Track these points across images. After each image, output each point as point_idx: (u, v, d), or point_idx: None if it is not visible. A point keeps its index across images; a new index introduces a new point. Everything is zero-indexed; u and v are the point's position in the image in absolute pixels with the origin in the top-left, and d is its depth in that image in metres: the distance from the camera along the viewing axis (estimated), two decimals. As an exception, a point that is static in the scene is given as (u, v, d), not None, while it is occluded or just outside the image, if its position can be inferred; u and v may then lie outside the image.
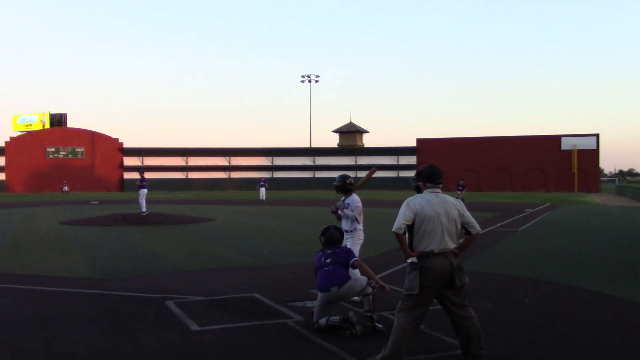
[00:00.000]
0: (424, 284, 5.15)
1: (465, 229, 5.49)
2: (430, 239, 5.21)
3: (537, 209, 32.58)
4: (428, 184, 5.46)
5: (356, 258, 6.73)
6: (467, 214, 5.47)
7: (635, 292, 8.83)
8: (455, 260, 5.29)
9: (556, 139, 73.05)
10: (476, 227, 5.53)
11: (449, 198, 5.45)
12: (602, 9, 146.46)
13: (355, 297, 7.00)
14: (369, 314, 6.52)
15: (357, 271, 7.02)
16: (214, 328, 6.64)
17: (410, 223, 5.27)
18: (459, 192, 35.55)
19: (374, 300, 6.55)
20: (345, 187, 8.10)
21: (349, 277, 6.56)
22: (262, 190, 44.43)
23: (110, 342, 6.12)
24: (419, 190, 5.61)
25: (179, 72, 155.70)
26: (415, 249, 5.27)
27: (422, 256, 5.20)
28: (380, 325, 6.47)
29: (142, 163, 76.23)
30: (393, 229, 5.29)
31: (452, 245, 5.31)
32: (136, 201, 24.64)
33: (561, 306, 7.87)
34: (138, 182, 25.51)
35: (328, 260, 6.69)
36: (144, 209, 24.63)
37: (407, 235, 5.33)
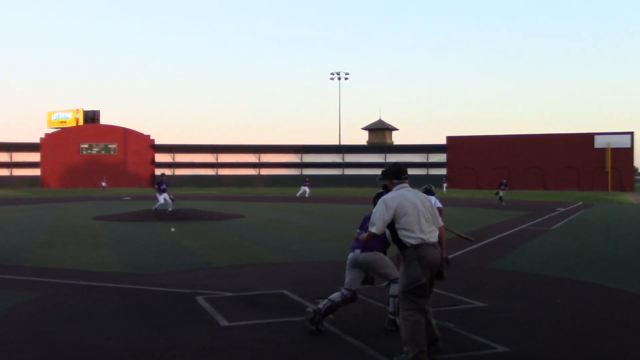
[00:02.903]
0: (420, 272, 5.27)
1: None
2: (419, 229, 5.35)
3: (569, 207, 32.09)
4: (395, 181, 5.68)
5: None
6: (435, 209, 5.69)
7: (670, 294, 8.64)
8: (440, 251, 5.46)
9: (589, 137, 71.78)
10: (440, 222, 5.68)
11: (419, 192, 5.73)
12: (635, 3, 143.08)
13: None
14: (392, 317, 6.47)
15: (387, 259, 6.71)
16: (243, 324, 6.69)
17: (389, 222, 5.43)
18: (501, 192, 33.46)
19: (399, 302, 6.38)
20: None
21: (375, 250, 6.37)
22: (304, 189, 44.07)
23: (142, 336, 6.22)
24: (386, 189, 5.83)
25: (209, 69, 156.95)
26: (406, 243, 5.35)
27: (417, 246, 5.31)
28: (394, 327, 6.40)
29: (173, 159, 77.03)
30: (374, 231, 5.45)
31: (436, 233, 5.48)
32: (166, 199, 24.12)
33: (594, 307, 7.75)
34: (164, 186, 24.18)
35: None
36: (169, 207, 23.96)
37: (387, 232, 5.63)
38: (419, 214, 5.40)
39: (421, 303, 5.32)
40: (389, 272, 6.50)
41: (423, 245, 5.30)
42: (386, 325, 6.50)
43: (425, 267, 5.27)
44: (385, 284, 6.74)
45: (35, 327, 6.57)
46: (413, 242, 5.32)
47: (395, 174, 5.70)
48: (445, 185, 63.33)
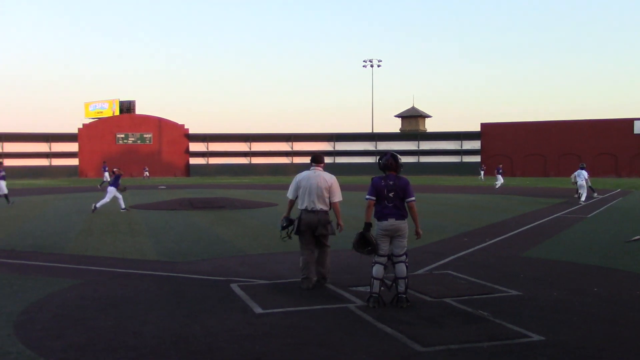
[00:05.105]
0: (300, 229, 8.07)
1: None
2: (305, 200, 8.04)
3: (607, 195, 31.44)
4: (312, 164, 8.28)
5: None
6: (334, 187, 8.08)
7: None
8: (323, 218, 8.00)
9: (629, 122, 70.08)
10: (335, 198, 8.11)
11: (325, 174, 8.14)
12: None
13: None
14: (404, 295, 7.01)
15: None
16: (276, 311, 6.75)
17: (296, 192, 8.20)
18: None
19: (408, 283, 7.15)
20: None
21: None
22: (500, 179, 39.18)
23: (177, 322, 6.32)
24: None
25: (242, 58, 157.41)
26: (299, 206, 8.10)
27: (302, 210, 8.07)
28: (409, 302, 7.03)
29: (207, 148, 77.70)
30: (288, 195, 8.35)
31: (321, 206, 8.00)
32: (199, 187, 24.32)
33: (632, 296, 7.62)
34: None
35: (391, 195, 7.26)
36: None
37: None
38: (310, 190, 7.99)
39: (305, 243, 8.10)
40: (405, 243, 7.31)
41: (305, 211, 8.03)
42: (400, 304, 6.97)
43: (304, 225, 8.03)
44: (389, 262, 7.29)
45: (74, 314, 6.73)
46: (301, 207, 8.09)
47: (313, 160, 8.32)
48: (482, 172, 58.36)
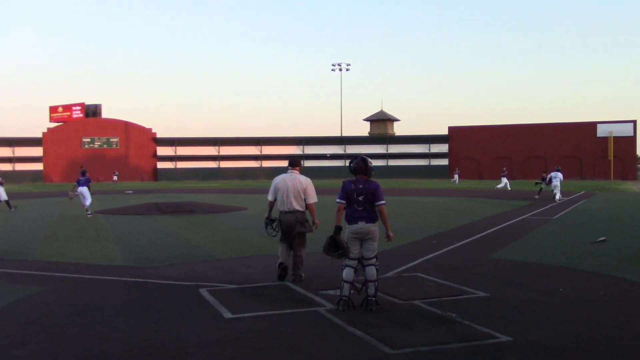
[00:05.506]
0: (282, 229, 8.78)
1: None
2: (283, 202, 8.69)
3: (572, 197, 32.06)
4: (289, 168, 8.91)
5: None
6: (309, 189, 8.74)
7: (673, 282, 8.63)
8: (300, 217, 8.71)
9: (592, 126, 71.64)
10: (310, 200, 8.75)
11: (301, 177, 8.78)
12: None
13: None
14: (374, 298, 7.00)
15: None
16: (246, 316, 6.71)
17: (275, 193, 8.79)
18: (546, 184, 29.78)
19: (377, 286, 7.12)
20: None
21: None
22: (505, 181, 40.21)
23: (146, 328, 6.24)
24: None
25: (210, 62, 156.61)
26: (278, 207, 8.74)
27: (281, 212, 8.74)
28: (378, 305, 7.01)
29: (175, 152, 77.03)
30: (268, 197, 8.93)
31: (297, 206, 8.67)
32: (167, 191, 24.17)
33: (597, 295, 7.76)
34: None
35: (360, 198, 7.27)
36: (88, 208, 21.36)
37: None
38: (287, 192, 8.65)
39: (286, 240, 8.79)
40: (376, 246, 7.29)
41: (284, 212, 8.71)
42: (369, 307, 6.97)
43: (284, 225, 8.72)
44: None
45: (40, 321, 6.60)
46: (280, 208, 8.75)
47: (290, 163, 8.97)
48: (457, 175, 59.09)
